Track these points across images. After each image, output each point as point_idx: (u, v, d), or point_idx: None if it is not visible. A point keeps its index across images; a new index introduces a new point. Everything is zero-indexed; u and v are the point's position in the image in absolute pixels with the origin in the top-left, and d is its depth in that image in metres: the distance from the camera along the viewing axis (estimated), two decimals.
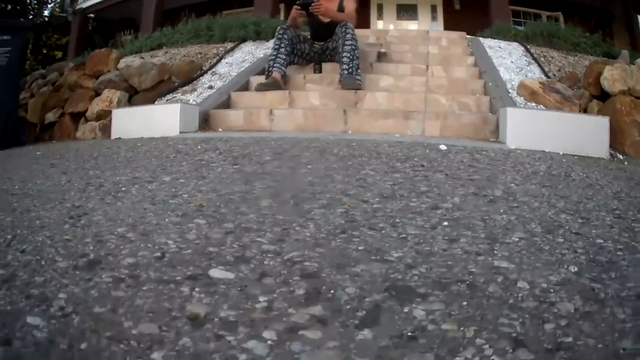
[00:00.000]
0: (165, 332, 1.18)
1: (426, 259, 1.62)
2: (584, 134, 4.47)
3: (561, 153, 4.10)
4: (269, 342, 1.15)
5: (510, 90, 5.73)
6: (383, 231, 1.87)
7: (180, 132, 4.95)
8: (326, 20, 6.04)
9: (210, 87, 6.34)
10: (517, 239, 1.85)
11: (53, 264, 1.57)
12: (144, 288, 1.39)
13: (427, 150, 3.57)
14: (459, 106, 5.32)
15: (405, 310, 1.29)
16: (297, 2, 5.81)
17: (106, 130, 5.98)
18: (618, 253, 1.76)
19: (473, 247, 1.75)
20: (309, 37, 6.35)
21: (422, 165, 3.04)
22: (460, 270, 1.54)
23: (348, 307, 1.31)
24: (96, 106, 6.45)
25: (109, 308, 1.29)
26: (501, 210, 2.20)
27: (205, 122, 5.33)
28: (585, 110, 5.35)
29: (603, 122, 4.58)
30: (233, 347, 1.12)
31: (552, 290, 1.41)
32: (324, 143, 3.76)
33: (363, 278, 1.47)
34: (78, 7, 16.87)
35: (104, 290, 1.38)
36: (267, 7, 11.11)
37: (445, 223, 1.99)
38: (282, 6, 12.15)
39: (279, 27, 6.03)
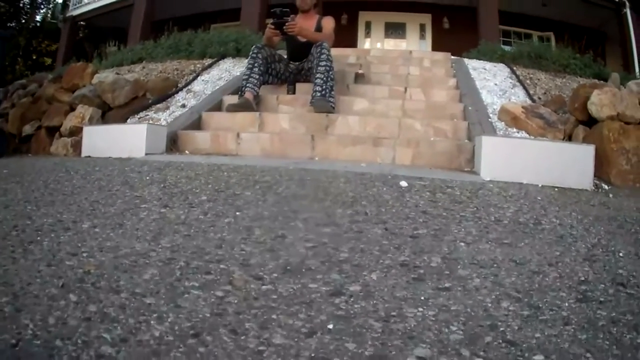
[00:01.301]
0: None
1: None
2: (566, 163, 4.20)
3: (540, 185, 3.87)
4: None
5: (491, 115, 5.56)
6: (243, 337, 1.47)
7: (146, 154, 4.80)
8: (303, 39, 5.88)
9: (183, 106, 6.18)
10: None
11: None
12: None
13: (385, 188, 3.30)
14: (434, 132, 5.13)
15: None
16: (272, 21, 5.66)
17: (77, 147, 5.83)
18: None
19: None
20: (285, 56, 6.20)
21: (366, 214, 2.72)
22: None
23: None
24: (69, 122, 6.33)
25: None
26: (422, 298, 1.72)
27: (174, 142, 5.16)
28: (570, 137, 5.16)
29: (587, 151, 4.29)
30: None
31: None
32: (277, 176, 3.55)
33: None
34: (68, 14, 16.83)
35: None
36: (254, 22, 11.02)
37: (331, 325, 1.53)
38: (269, 21, 12.05)
39: (253, 47, 5.87)
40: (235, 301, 1.70)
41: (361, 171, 3.88)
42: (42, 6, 19.24)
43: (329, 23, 6.05)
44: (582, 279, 1.96)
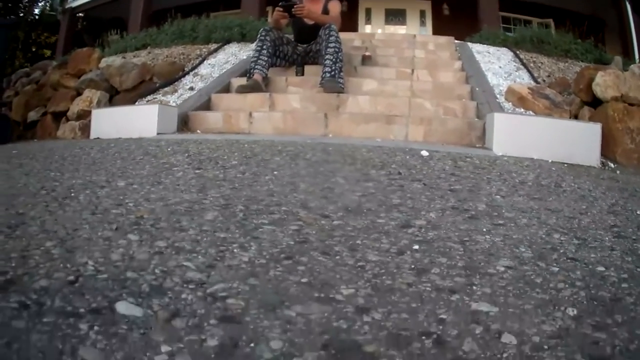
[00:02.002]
0: None
1: (384, 299, 1.31)
2: (574, 141, 4.31)
3: (550, 161, 3.96)
4: None
5: (498, 96, 5.62)
6: (337, 257, 1.56)
7: (158, 134, 4.81)
8: (310, 22, 5.91)
9: (191, 89, 6.20)
10: (502, 269, 1.55)
11: None
12: (45, 320, 1.15)
13: (407, 157, 3.40)
14: (444, 111, 5.20)
15: None
16: (280, 3, 5.68)
17: (86, 130, 5.86)
18: (623, 285, 1.47)
19: (447, 280, 1.44)
20: (292, 39, 6.23)
21: (399, 173, 2.85)
22: (426, 317, 1.23)
23: None
24: (77, 106, 6.35)
25: (4, 341, 1.05)
26: (484, 230, 1.93)
27: (185, 123, 5.19)
28: (575, 117, 5.23)
29: (595, 128, 4.42)
30: None
31: (546, 347, 1.11)
32: (299, 147, 3.61)
33: (296, 326, 1.17)
34: (67, 6, 16.75)
35: (5, 318, 1.15)
36: (255, 10, 11.01)
37: (416, 247, 1.70)
38: (269, 9, 12.03)
39: (261, 29, 5.89)
40: (314, 232, 1.79)
41: (378, 145, 3.97)
42: None
43: (335, 6, 6.08)
44: (612, 224, 2.17)
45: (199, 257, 1.52)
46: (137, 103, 6.15)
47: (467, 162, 3.37)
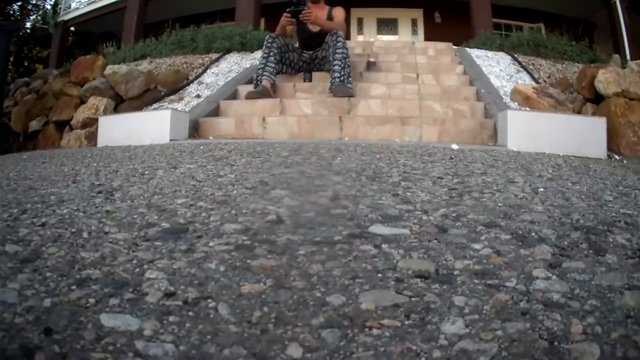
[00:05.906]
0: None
1: (568, 210, 1.70)
2: (583, 135, 4.47)
3: (561, 154, 4.05)
4: None
5: (503, 96, 5.71)
6: (504, 193, 1.90)
7: (171, 140, 4.78)
8: (316, 29, 5.96)
9: (198, 96, 6.23)
10: (611, 198, 1.97)
11: (104, 236, 1.27)
12: (300, 254, 1.11)
13: (442, 149, 3.51)
14: (453, 112, 5.28)
15: (611, 239, 1.39)
16: (287, 9, 5.72)
17: (92, 138, 5.82)
18: None
19: (580, 201, 1.85)
20: (297, 46, 6.28)
21: (452, 158, 2.97)
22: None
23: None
24: (82, 114, 6.30)
25: (261, 288, 0.96)
26: (569, 184, 2.26)
27: (195, 130, 5.20)
28: (579, 114, 5.35)
29: (600, 122, 4.59)
30: None
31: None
32: (330, 145, 3.62)
33: (549, 219, 1.53)
34: (60, 19, 16.66)
35: (229, 264, 1.07)
36: (249, 20, 10.99)
37: (542, 189, 2.07)
38: (262, 20, 12.05)
39: (267, 36, 5.93)
40: (451, 184, 2.11)
41: (402, 144, 4.02)
42: (32, 13, 19.05)
43: (340, 13, 6.15)
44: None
45: (384, 197, 1.72)
46: (143, 111, 6.16)
47: (496, 154, 3.50)
